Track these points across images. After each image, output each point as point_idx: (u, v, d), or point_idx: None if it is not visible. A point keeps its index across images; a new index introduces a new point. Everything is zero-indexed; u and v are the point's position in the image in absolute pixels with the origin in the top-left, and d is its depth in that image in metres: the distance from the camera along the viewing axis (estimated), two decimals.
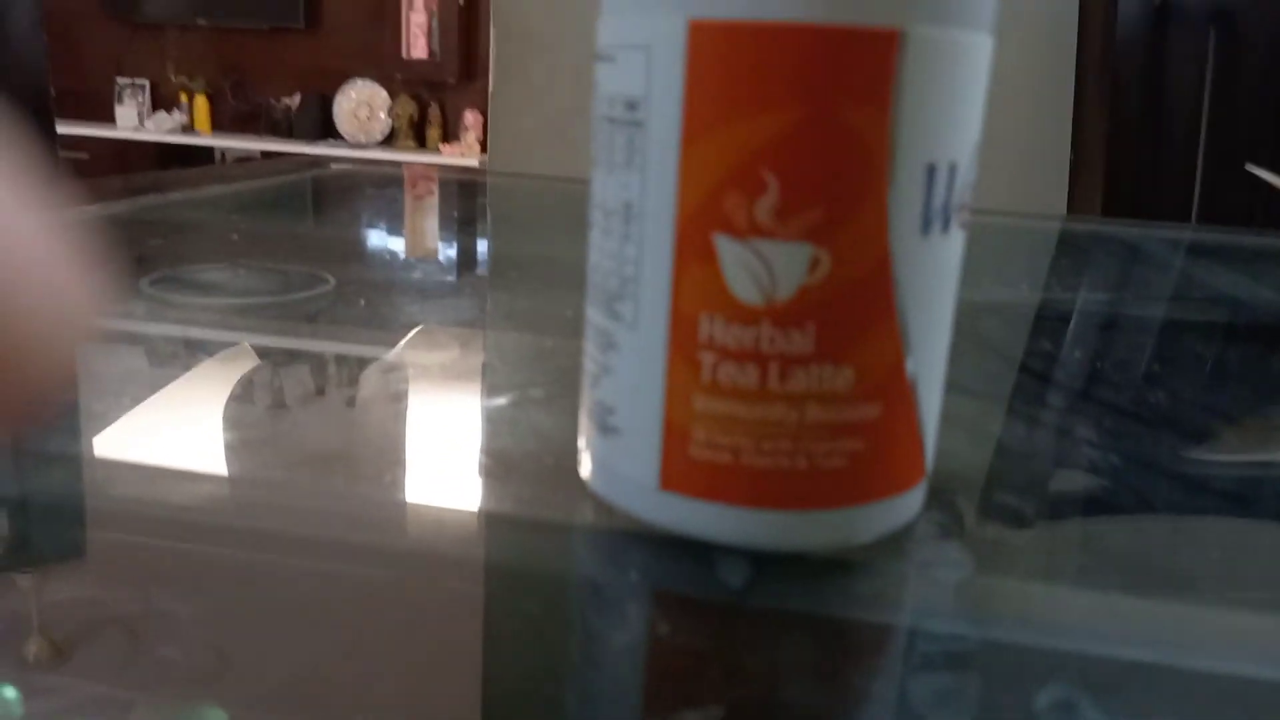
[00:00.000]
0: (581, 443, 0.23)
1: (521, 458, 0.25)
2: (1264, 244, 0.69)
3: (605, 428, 0.21)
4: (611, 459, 0.21)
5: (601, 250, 0.21)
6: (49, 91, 0.83)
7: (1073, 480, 0.26)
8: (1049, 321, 0.46)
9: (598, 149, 0.20)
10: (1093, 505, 0.25)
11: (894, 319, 0.19)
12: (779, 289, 0.18)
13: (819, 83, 0.18)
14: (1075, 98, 0.92)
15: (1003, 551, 0.22)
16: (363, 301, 0.40)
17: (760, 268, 0.18)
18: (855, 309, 0.19)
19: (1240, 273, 0.60)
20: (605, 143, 0.20)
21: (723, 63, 0.18)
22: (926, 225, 0.19)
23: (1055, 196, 0.96)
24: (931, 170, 0.19)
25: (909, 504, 0.21)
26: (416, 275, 0.50)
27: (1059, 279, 0.59)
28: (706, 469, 0.20)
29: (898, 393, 0.20)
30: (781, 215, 0.18)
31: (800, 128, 0.18)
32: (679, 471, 0.20)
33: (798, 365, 0.19)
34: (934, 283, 0.20)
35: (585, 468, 0.22)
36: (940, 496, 0.23)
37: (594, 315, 0.21)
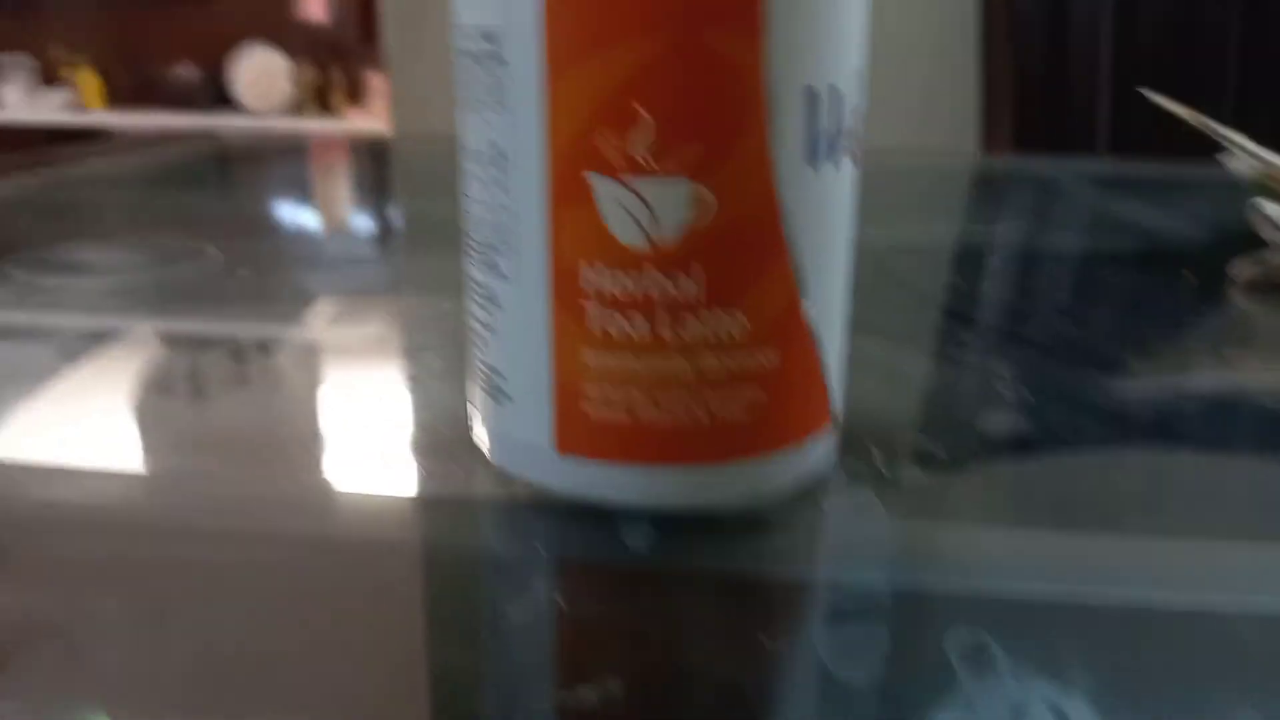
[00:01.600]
0: (472, 410, 0.21)
1: (419, 430, 0.24)
2: (1171, 173, 0.70)
3: (496, 392, 0.20)
4: (505, 425, 0.20)
5: (475, 199, 0.19)
6: None
7: (989, 419, 0.26)
8: (961, 259, 0.46)
9: (461, 89, 0.19)
10: (1009, 443, 0.24)
11: (786, 258, 0.18)
12: (662, 230, 0.17)
13: (685, 7, 0.16)
14: (981, 35, 0.92)
15: (916, 495, 0.21)
16: (244, 273, 0.38)
17: (640, 207, 0.17)
18: (744, 249, 0.18)
19: (1148, 202, 0.61)
20: (467, 79, 0.19)
21: None
22: (812, 155, 0.18)
23: (967, 134, 0.96)
24: (812, 95, 0.17)
25: (818, 452, 0.20)
26: (305, 246, 0.48)
27: (970, 215, 0.59)
28: (602, 428, 0.19)
29: (795, 337, 0.19)
30: (657, 151, 0.17)
31: (669, 56, 0.16)
32: (574, 433, 0.19)
33: (688, 312, 0.18)
34: (826, 218, 0.19)
35: (479, 436, 0.21)
36: (852, 442, 0.22)
37: (474, 272, 0.20)
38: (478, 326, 0.20)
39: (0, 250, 0.40)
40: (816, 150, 0.18)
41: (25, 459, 0.22)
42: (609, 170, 0.17)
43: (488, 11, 0.17)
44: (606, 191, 0.17)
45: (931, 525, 0.20)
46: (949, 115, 1.05)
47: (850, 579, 0.18)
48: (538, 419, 0.19)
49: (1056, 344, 0.32)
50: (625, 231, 0.17)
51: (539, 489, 0.20)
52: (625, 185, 0.17)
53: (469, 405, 0.21)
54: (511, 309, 0.19)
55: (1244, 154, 0.40)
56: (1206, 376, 0.30)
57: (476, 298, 0.20)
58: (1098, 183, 0.69)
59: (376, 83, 2.94)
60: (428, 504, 0.20)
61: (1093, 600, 0.17)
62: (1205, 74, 0.91)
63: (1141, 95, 0.49)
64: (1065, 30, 0.88)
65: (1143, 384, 0.29)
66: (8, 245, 0.41)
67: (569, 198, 0.18)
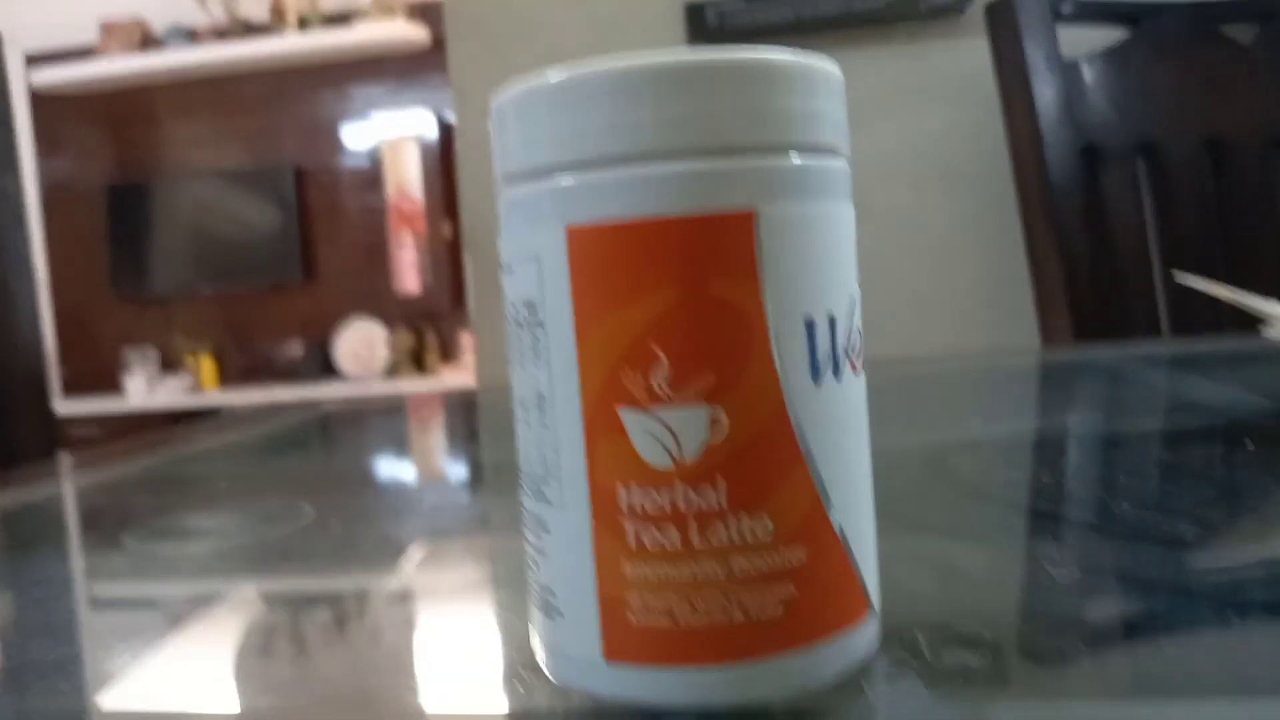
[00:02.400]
0: (531, 629, 0.23)
1: (492, 656, 0.25)
2: (1229, 347, 0.70)
3: (549, 609, 0.22)
4: (558, 639, 0.22)
5: (525, 440, 0.22)
6: (46, 379, 0.87)
7: (1044, 602, 0.26)
8: (1018, 452, 0.46)
9: (511, 349, 0.22)
10: (1063, 626, 0.24)
11: (802, 462, 0.20)
12: (685, 450, 0.20)
13: (689, 264, 0.20)
14: (1026, 240, 0.95)
15: (961, 679, 0.21)
16: (337, 527, 0.41)
17: (664, 433, 0.20)
18: (760, 458, 0.20)
19: (1205, 377, 0.61)
20: (515, 343, 0.22)
21: (600, 260, 0.20)
22: (816, 374, 0.20)
23: (1028, 330, 0.98)
24: (810, 324, 0.20)
25: (858, 642, 0.21)
26: (395, 497, 0.51)
27: (1024, 409, 0.59)
28: (646, 635, 0.20)
29: (822, 533, 0.20)
30: (676, 383, 0.20)
31: (678, 305, 0.19)
32: (621, 641, 0.20)
33: (715, 519, 0.20)
34: (836, 425, 0.21)
35: (538, 652, 0.23)
36: (899, 632, 0.23)
37: (527, 502, 0.22)
38: (531, 551, 0.22)
39: (118, 524, 0.44)
40: (819, 369, 0.20)
41: (144, 709, 0.24)
42: (636, 403, 0.20)
43: (528, 287, 0.21)
44: (635, 422, 0.20)
45: (975, 708, 0.20)
46: (1007, 313, 1.07)
47: None
48: (587, 631, 0.21)
49: (1118, 527, 0.32)
50: (653, 454, 0.20)
51: (593, 697, 0.21)
52: (650, 415, 0.20)
53: (530, 625, 0.23)
54: (559, 532, 0.21)
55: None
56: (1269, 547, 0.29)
57: (530, 525, 0.22)
58: (1152, 364, 0.70)
59: (467, 341, 3.12)
60: None
61: None
62: (1255, 243, 0.92)
63: (1188, 275, 0.51)
64: (1107, 220, 0.91)
65: (1204, 559, 0.29)
66: (125, 519, 0.45)
67: (603, 430, 0.20)
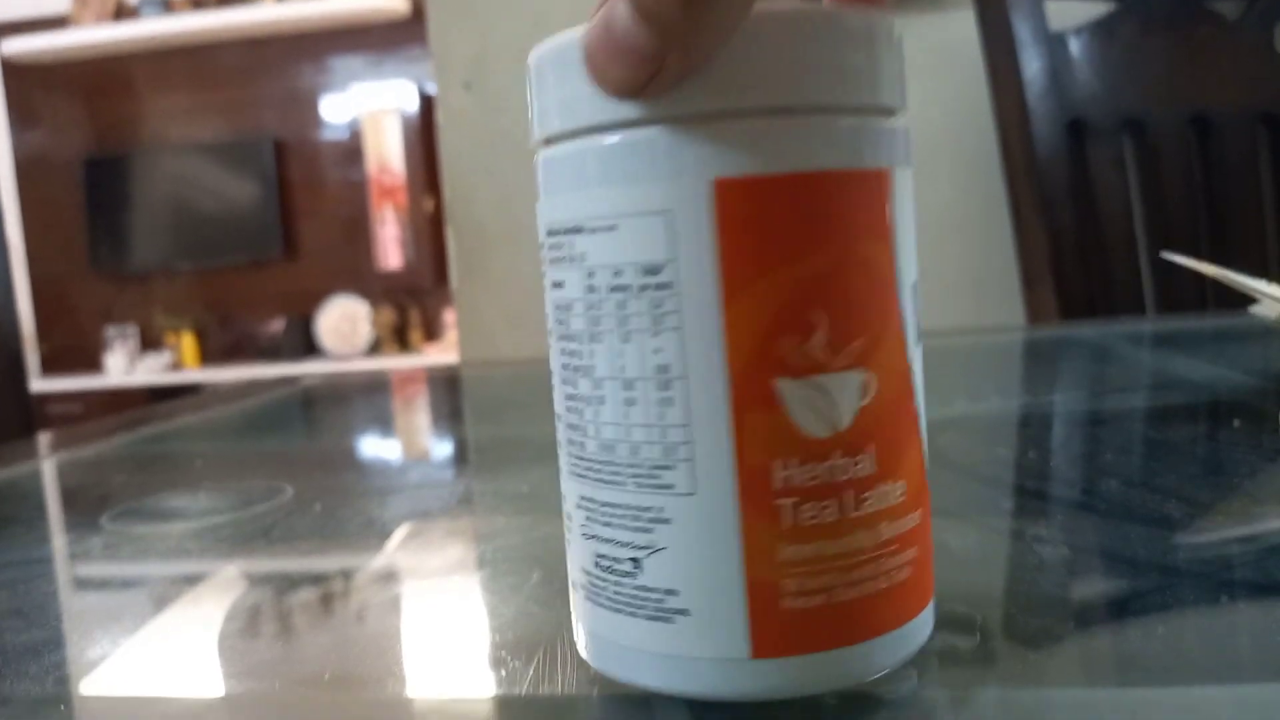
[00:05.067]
0: (596, 639, 0.21)
1: (469, 632, 0.25)
2: (1215, 325, 0.71)
3: (663, 614, 0.20)
4: (679, 646, 0.19)
5: (613, 422, 0.20)
6: (22, 357, 0.86)
7: (1028, 583, 0.26)
8: (1003, 430, 0.46)
9: (586, 321, 0.20)
10: (1048, 607, 0.24)
11: (918, 426, 0.20)
12: (842, 418, 0.19)
13: (842, 222, 0.19)
14: (1012, 209, 0.95)
15: (949, 660, 0.21)
16: (318, 507, 0.40)
17: (823, 402, 0.19)
18: (897, 422, 0.20)
19: (1192, 356, 0.61)
20: (608, 312, 0.19)
21: (754, 217, 0.18)
22: (919, 337, 0.20)
23: (1014, 310, 0.98)
24: (914, 289, 0.20)
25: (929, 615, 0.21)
26: (378, 477, 0.50)
27: (1007, 386, 0.59)
28: (800, 620, 0.19)
29: (926, 495, 0.21)
30: (833, 349, 0.19)
31: (834, 265, 0.19)
32: (772, 633, 0.19)
33: (868, 486, 0.19)
34: (925, 389, 0.21)
35: (629, 667, 0.20)
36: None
37: (614, 495, 0.20)
38: (622, 552, 0.20)
39: (96, 505, 0.43)
40: (919, 333, 0.21)
41: (124, 694, 0.23)
42: (793, 373, 0.19)
43: (647, 247, 0.19)
44: (793, 393, 0.19)
45: (962, 689, 0.20)
46: (993, 292, 1.07)
47: None
48: (727, 629, 0.19)
49: (1105, 505, 0.32)
50: (812, 425, 0.19)
51: (728, 700, 0.20)
52: (809, 383, 0.19)
53: (586, 636, 0.21)
54: (686, 521, 0.19)
55: (1270, 300, 0.40)
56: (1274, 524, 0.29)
57: (619, 520, 0.20)
58: (1138, 341, 0.70)
59: (450, 317, 3.11)
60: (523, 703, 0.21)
61: None
62: (1240, 220, 0.92)
63: (1172, 253, 0.51)
64: (1093, 196, 0.91)
65: (1200, 539, 0.29)
66: (103, 500, 0.44)
67: (754, 404, 0.19)
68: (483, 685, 0.23)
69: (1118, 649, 0.22)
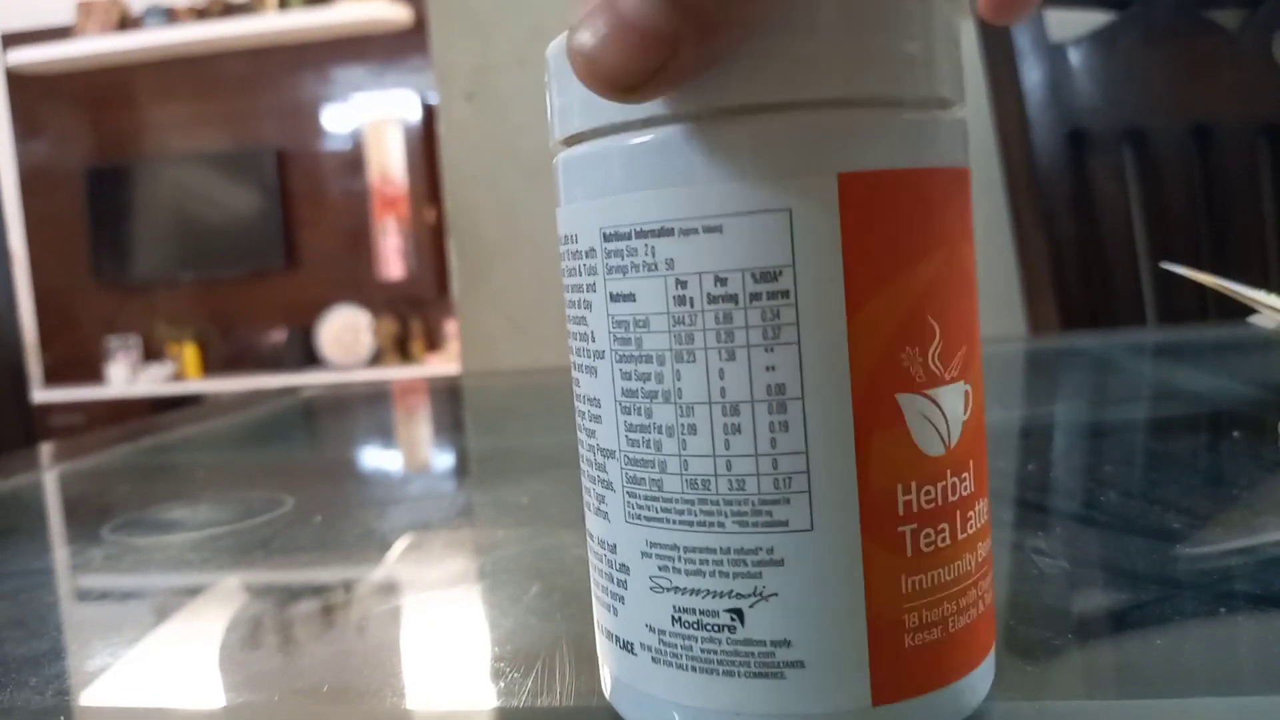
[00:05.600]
0: (691, 704, 0.18)
1: (468, 644, 0.24)
2: (1217, 335, 0.71)
3: (772, 669, 0.17)
4: (788, 704, 0.17)
5: (715, 456, 0.17)
6: (24, 368, 0.86)
7: (1028, 595, 0.26)
8: (1005, 441, 0.46)
9: (671, 338, 0.17)
10: (1044, 616, 0.24)
11: (985, 442, 0.19)
12: (952, 433, 0.17)
13: (952, 222, 0.18)
14: (1013, 226, 0.95)
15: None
16: (319, 518, 0.40)
17: (938, 416, 0.17)
18: (982, 436, 0.19)
19: (1193, 367, 0.61)
20: (705, 327, 0.17)
21: (878, 216, 0.17)
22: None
23: (1015, 321, 0.98)
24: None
25: None
26: (379, 488, 0.50)
27: (1012, 398, 0.59)
28: (920, 658, 0.17)
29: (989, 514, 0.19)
30: (944, 358, 0.17)
31: (945, 269, 0.17)
32: (895, 675, 0.17)
33: (970, 507, 0.18)
34: None
35: None
36: None
37: (705, 539, 0.17)
38: (717, 604, 0.17)
39: (97, 516, 0.43)
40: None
41: (124, 704, 0.23)
42: (914, 386, 0.17)
43: (768, 251, 0.16)
44: (913, 407, 0.17)
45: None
46: (995, 302, 1.07)
47: None
48: (848, 679, 0.17)
49: (1105, 517, 0.32)
50: (929, 443, 0.17)
51: None
52: (925, 396, 0.17)
53: (647, 703, 0.19)
54: (804, 564, 0.17)
55: (1270, 311, 0.40)
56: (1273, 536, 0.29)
57: (720, 569, 0.17)
58: (1138, 352, 0.70)
59: (452, 329, 3.11)
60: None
61: None
62: (1241, 231, 0.92)
63: (1174, 263, 0.51)
64: (1093, 207, 0.91)
65: (1199, 550, 0.29)
66: (104, 511, 0.44)
67: (878, 422, 0.17)
68: (481, 697, 0.23)
69: (1117, 661, 0.22)
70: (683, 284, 0.17)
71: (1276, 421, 0.39)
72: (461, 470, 0.53)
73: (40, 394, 3.12)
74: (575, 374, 0.19)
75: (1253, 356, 0.60)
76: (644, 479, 0.18)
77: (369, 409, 0.80)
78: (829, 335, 0.16)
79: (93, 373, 3.26)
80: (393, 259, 3.15)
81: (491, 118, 1.16)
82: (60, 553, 0.39)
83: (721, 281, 0.17)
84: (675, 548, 0.17)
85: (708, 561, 0.17)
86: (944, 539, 0.17)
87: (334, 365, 3.15)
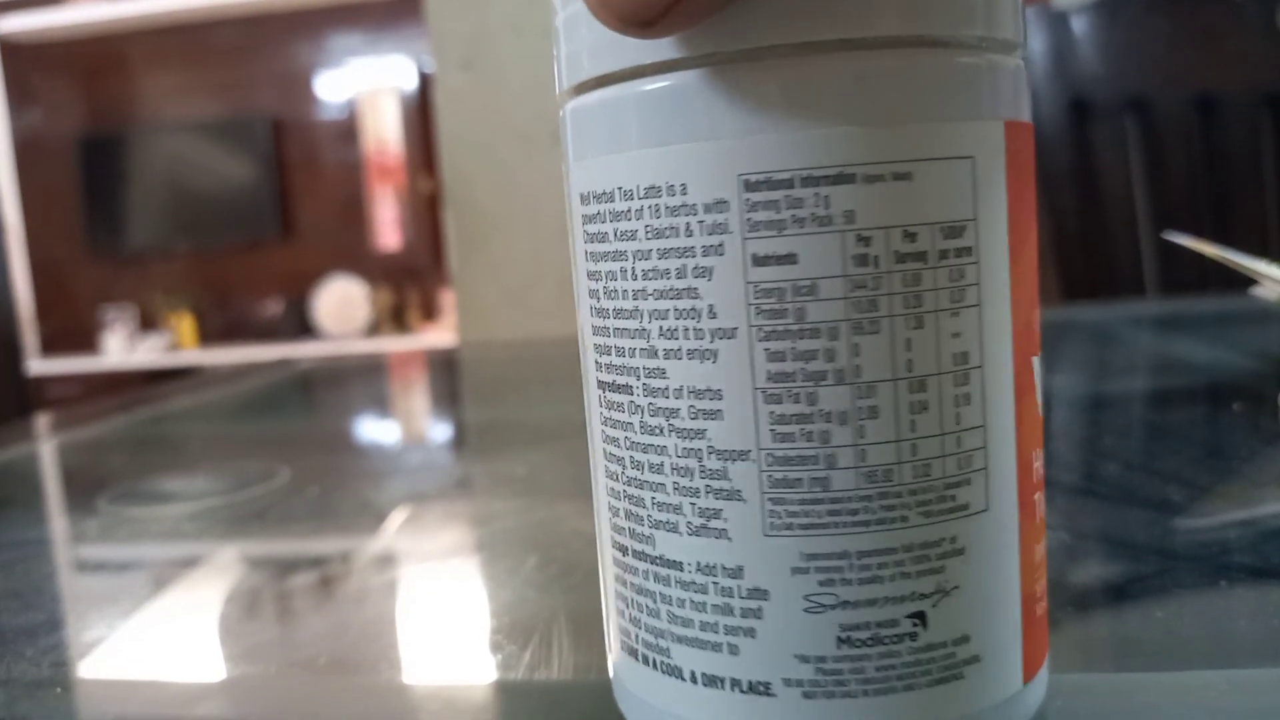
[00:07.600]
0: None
1: (466, 616, 0.24)
2: (1219, 307, 0.70)
3: (951, 671, 0.15)
4: (966, 704, 0.15)
5: (900, 441, 0.15)
6: (18, 338, 0.86)
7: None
8: None
9: (847, 307, 0.14)
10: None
11: None
12: (1040, 400, 0.17)
13: (1034, 179, 0.17)
14: None
15: None
16: (315, 489, 0.40)
17: (1040, 379, 0.17)
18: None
19: (1194, 339, 0.61)
20: (891, 290, 0.15)
21: (1024, 168, 0.16)
22: None
23: None
24: None
25: None
26: (374, 459, 0.50)
27: None
28: (1042, 627, 0.17)
29: None
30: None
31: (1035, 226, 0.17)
32: (1032, 649, 0.16)
33: (1041, 473, 0.17)
34: None
35: None
36: None
37: (885, 539, 0.15)
38: (899, 610, 0.15)
39: (93, 486, 0.43)
40: None
41: (121, 676, 0.23)
42: (1038, 348, 0.16)
43: (957, 203, 0.15)
44: (1038, 369, 0.16)
45: None
46: None
47: None
48: (1010, 661, 0.16)
49: (1104, 489, 0.32)
50: (1041, 407, 0.16)
51: None
52: (1039, 358, 0.16)
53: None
54: (980, 548, 0.15)
55: (1270, 281, 0.40)
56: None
57: (902, 569, 0.15)
58: (1139, 324, 0.70)
59: (448, 300, 3.10)
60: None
61: None
62: (1242, 201, 0.92)
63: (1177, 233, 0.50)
64: (1095, 177, 0.91)
65: (1199, 523, 0.29)
66: (100, 481, 0.44)
67: (1026, 386, 0.16)
68: (478, 669, 0.23)
69: (1116, 633, 0.22)
70: (865, 240, 0.14)
71: (1276, 393, 0.39)
72: (458, 441, 0.53)
73: (36, 365, 3.12)
74: (646, 362, 0.16)
75: (1253, 328, 0.59)
76: (800, 479, 0.15)
77: (365, 380, 0.79)
78: (1000, 296, 0.15)
79: (89, 344, 3.25)
80: (389, 229, 3.14)
81: (488, 87, 1.15)
82: (56, 524, 0.39)
83: (910, 237, 0.14)
84: (845, 555, 0.15)
85: (887, 565, 0.15)
86: (1044, 506, 0.17)
87: (330, 336, 3.15)
